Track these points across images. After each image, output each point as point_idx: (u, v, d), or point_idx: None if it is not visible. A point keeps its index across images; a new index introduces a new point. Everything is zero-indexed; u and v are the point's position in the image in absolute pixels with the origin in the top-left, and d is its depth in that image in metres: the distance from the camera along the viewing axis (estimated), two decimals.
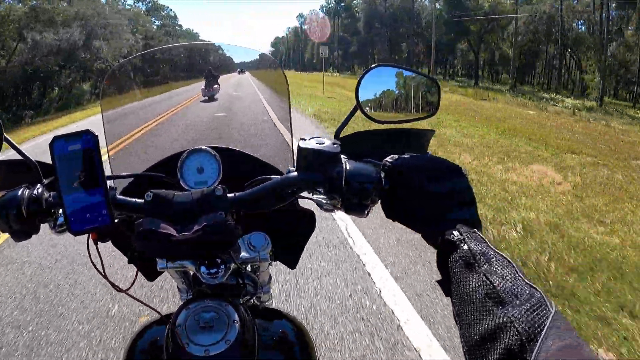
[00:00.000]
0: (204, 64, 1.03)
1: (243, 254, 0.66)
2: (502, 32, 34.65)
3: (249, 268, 0.72)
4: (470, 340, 0.38)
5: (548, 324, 0.34)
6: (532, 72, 40.24)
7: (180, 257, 0.55)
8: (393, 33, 43.69)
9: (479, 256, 0.42)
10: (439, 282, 0.47)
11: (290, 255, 0.80)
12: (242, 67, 1.07)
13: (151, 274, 0.75)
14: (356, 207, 0.54)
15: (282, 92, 0.84)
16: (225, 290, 0.60)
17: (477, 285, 0.40)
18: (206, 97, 1.01)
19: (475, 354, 0.37)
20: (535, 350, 0.32)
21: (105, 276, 0.55)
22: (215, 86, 1.00)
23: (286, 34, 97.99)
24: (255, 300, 0.80)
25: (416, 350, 1.90)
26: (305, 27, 71.53)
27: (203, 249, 0.51)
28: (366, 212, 0.55)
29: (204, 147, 0.66)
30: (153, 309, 0.61)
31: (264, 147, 0.85)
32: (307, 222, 0.77)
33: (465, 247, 0.43)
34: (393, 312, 2.18)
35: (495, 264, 0.41)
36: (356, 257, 2.82)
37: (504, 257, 0.42)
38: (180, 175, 0.64)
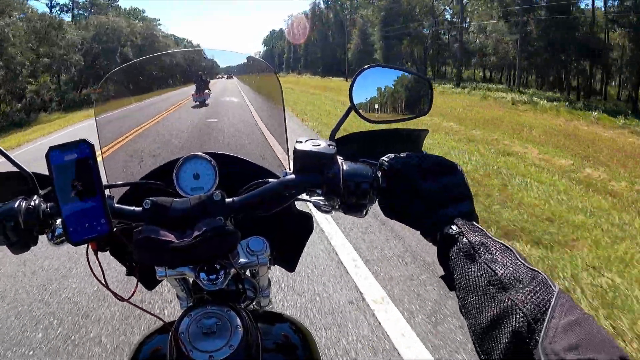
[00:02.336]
0: (194, 69, 1.03)
1: (242, 258, 0.66)
2: None
3: (248, 273, 0.72)
4: (477, 329, 0.38)
5: (552, 302, 0.35)
6: None
7: (180, 263, 0.54)
8: None
9: (478, 247, 0.42)
10: (442, 277, 0.47)
11: (288, 258, 0.80)
12: (229, 72, 1.06)
13: (150, 283, 0.75)
14: (354, 207, 0.55)
15: (276, 97, 0.84)
16: (225, 296, 0.60)
17: (479, 274, 0.40)
18: (197, 103, 1.01)
19: (484, 342, 0.37)
20: (543, 330, 0.33)
21: (106, 286, 0.54)
22: (206, 91, 0.99)
23: (287, 24, 68.01)
24: (255, 305, 0.80)
25: None
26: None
27: (203, 255, 0.51)
28: (364, 212, 0.56)
29: (199, 153, 0.65)
30: (156, 316, 0.61)
31: (256, 149, 0.85)
32: (305, 224, 0.77)
33: (465, 239, 0.44)
34: None
35: (496, 253, 0.41)
36: None
37: (504, 245, 0.42)
38: (176, 182, 0.64)
